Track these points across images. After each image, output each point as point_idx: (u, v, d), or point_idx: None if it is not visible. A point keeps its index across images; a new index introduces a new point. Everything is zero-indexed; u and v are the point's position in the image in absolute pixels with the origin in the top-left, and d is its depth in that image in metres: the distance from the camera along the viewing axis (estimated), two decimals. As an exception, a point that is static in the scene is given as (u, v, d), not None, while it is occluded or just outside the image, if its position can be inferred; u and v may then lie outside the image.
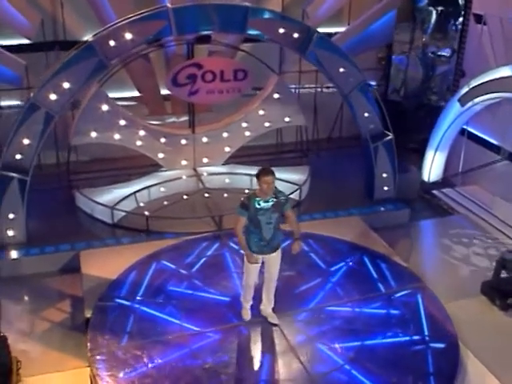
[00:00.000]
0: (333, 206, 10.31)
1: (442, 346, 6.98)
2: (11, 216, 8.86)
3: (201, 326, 7.20)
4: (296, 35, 9.20)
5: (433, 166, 11.44)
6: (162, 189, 10.41)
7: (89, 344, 6.85)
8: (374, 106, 10.04)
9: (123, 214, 9.67)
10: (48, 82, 8.38)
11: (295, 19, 9.46)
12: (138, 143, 10.47)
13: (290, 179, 10.60)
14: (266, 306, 7.26)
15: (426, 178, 11.57)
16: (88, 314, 7.42)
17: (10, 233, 8.93)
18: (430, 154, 11.41)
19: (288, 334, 7.07)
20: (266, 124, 11.11)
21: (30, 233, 9.13)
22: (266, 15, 9.01)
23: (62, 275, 8.67)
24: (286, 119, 11.17)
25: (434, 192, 11.29)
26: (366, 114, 10.08)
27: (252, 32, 9.02)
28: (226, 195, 10.27)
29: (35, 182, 10.72)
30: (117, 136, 10.26)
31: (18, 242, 8.95)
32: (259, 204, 6.50)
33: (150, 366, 6.52)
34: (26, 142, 8.67)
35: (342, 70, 9.49)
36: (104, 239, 9.25)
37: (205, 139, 10.88)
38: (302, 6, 11.38)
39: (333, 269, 8.45)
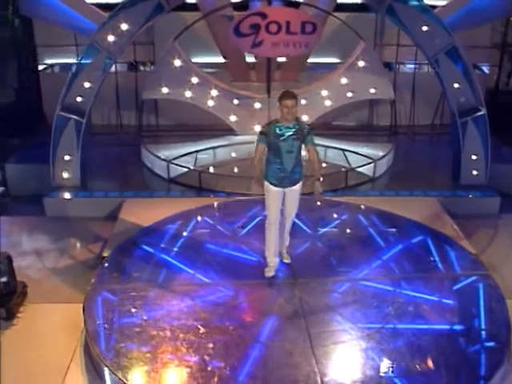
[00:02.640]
0: (409, 187, 9.20)
1: (491, 343, 5.71)
2: (67, 158, 8.91)
3: (213, 279, 6.60)
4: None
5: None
6: (226, 151, 9.96)
7: (93, 280, 6.58)
8: (467, 75, 8.78)
9: (181, 171, 9.36)
10: (107, 23, 8.30)
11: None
12: (210, 103, 10.13)
13: (367, 153, 9.68)
14: (280, 246, 6.74)
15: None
16: (106, 253, 7.18)
17: (65, 175, 8.98)
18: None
19: (304, 301, 6.22)
20: (349, 94, 10.25)
21: (87, 179, 9.15)
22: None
23: (106, 221, 8.55)
24: (372, 90, 10.22)
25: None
26: (456, 85, 8.84)
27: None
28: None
29: (110, 139, 11.14)
30: (188, 93, 10.01)
31: (72, 185, 8.98)
32: (280, 130, 5.96)
33: (143, 311, 6.01)
34: (86, 85, 8.68)
35: (425, 28, 8.39)
36: (153, 191, 9.02)
37: (280, 105, 10.23)
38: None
39: (387, 246, 7.43)
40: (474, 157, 9.12)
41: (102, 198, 8.77)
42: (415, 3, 8.34)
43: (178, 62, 9.81)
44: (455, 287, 6.58)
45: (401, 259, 7.12)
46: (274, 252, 6.55)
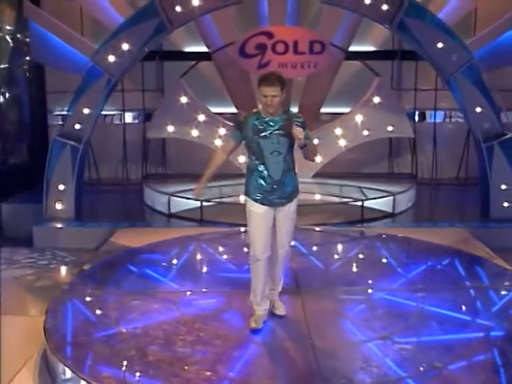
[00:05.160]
0: (433, 219, 8.36)
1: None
2: (61, 187, 8.35)
3: (185, 287, 5.71)
4: (385, 7, 7.98)
5: None
6: (231, 189, 9.26)
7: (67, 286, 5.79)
8: (488, 97, 8.16)
9: (183, 207, 8.68)
10: (108, 42, 8.07)
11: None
12: (218, 142, 9.64)
13: (385, 189, 8.96)
14: (271, 288, 5.00)
15: None
16: (85, 267, 6.40)
17: (59, 206, 8.37)
18: None
19: (306, 307, 5.24)
20: (365, 132, 9.68)
21: (82, 212, 8.55)
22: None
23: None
24: (389, 128, 9.63)
25: None
26: (479, 109, 8.20)
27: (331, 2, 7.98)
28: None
29: (114, 184, 10.71)
30: (195, 132, 9.59)
31: (66, 217, 8.33)
32: (261, 123, 4.51)
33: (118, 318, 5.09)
34: (86, 111, 8.31)
35: (440, 45, 7.91)
36: (150, 222, 8.37)
37: (292, 145, 9.67)
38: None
39: (411, 266, 6.42)
40: (503, 186, 8.26)
41: (93, 227, 8.09)
42: (429, 17, 7.94)
43: (184, 99, 9.49)
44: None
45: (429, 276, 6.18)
46: (261, 297, 4.84)
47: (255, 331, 4.69)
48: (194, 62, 10.06)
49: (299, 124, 4.42)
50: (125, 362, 4.22)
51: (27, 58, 10.89)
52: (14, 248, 7.95)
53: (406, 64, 10.90)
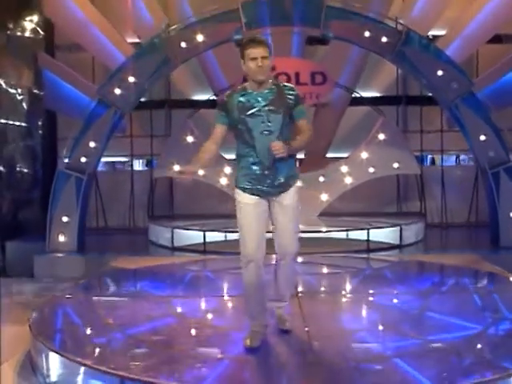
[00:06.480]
0: (443, 249, 8.17)
1: None
2: (65, 219, 8.37)
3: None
4: (385, 39, 8.18)
5: None
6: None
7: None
8: (491, 125, 8.16)
9: (186, 241, 8.57)
10: (114, 75, 8.30)
11: (382, 20, 8.37)
12: (223, 181, 9.65)
13: (392, 223, 8.82)
14: (278, 301, 4.30)
15: None
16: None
17: (62, 238, 8.35)
18: None
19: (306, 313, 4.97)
20: (371, 170, 9.62)
21: (84, 245, 8.50)
22: (347, 16, 8.18)
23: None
24: (395, 165, 9.58)
25: None
26: (483, 137, 8.20)
27: (332, 35, 8.22)
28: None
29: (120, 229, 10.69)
30: (200, 171, 9.60)
31: (68, 250, 8.31)
32: (248, 99, 3.93)
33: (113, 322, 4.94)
34: (92, 144, 8.45)
35: (440, 72, 8.02)
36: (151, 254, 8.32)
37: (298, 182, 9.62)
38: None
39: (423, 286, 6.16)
40: (512, 214, 8.12)
41: (95, 257, 8.00)
42: (427, 46, 8.11)
43: (190, 139, 9.61)
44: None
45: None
46: (256, 309, 4.09)
47: (250, 350, 3.93)
48: (201, 107, 10.26)
49: (292, 98, 3.94)
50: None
51: (42, 109, 11.26)
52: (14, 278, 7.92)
53: (411, 109, 11.03)
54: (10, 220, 10.01)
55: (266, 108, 3.90)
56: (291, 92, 3.98)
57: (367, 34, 8.17)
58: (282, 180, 3.97)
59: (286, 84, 4.10)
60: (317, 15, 7.94)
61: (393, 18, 8.42)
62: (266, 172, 3.93)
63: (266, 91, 3.94)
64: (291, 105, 3.95)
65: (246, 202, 3.99)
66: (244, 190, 4.00)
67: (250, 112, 3.90)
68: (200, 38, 8.27)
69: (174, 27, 8.27)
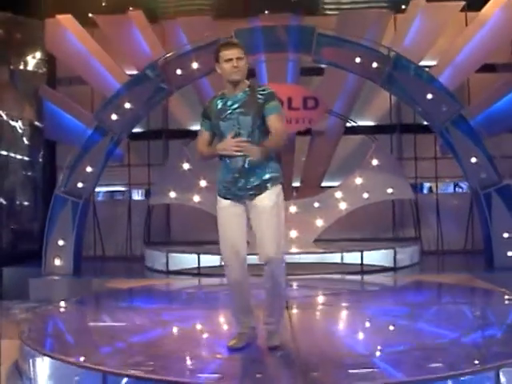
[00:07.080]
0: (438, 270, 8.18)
1: None
2: (61, 243, 8.43)
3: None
4: (375, 65, 8.39)
5: None
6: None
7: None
8: (482, 148, 8.27)
9: (181, 266, 8.60)
10: (110, 101, 8.50)
11: (372, 46, 8.59)
12: (219, 207, 9.72)
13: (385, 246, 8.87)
14: (265, 316, 4.10)
15: None
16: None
17: (57, 262, 8.40)
18: None
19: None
20: (365, 195, 9.70)
21: (80, 268, 8.54)
22: (338, 43, 8.42)
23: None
24: (389, 190, 9.67)
25: None
26: (474, 159, 8.30)
27: (324, 61, 8.45)
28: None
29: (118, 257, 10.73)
30: (196, 198, 9.71)
31: (64, 273, 8.34)
32: (224, 103, 3.90)
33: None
34: (88, 169, 8.59)
35: (430, 96, 8.19)
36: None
37: (293, 208, 9.73)
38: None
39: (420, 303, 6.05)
40: (505, 235, 8.13)
41: (90, 280, 8.03)
42: (416, 70, 8.29)
43: (186, 166, 9.74)
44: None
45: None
46: (240, 310, 4.07)
47: (234, 350, 3.89)
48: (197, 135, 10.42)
49: (262, 97, 3.84)
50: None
51: (42, 141, 11.47)
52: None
53: (406, 137, 11.20)
54: (9, 251, 10.11)
55: (237, 110, 3.85)
56: (262, 91, 3.90)
57: (358, 59, 8.39)
58: (256, 182, 3.85)
59: (260, 85, 4.06)
60: (309, 42, 8.18)
61: (385, 46, 8.69)
62: (237, 175, 3.84)
63: (240, 94, 3.88)
64: (261, 104, 3.84)
65: (221, 206, 3.94)
66: (219, 194, 3.96)
67: (222, 116, 3.89)
68: (195, 65, 8.51)
69: (169, 54, 8.51)
